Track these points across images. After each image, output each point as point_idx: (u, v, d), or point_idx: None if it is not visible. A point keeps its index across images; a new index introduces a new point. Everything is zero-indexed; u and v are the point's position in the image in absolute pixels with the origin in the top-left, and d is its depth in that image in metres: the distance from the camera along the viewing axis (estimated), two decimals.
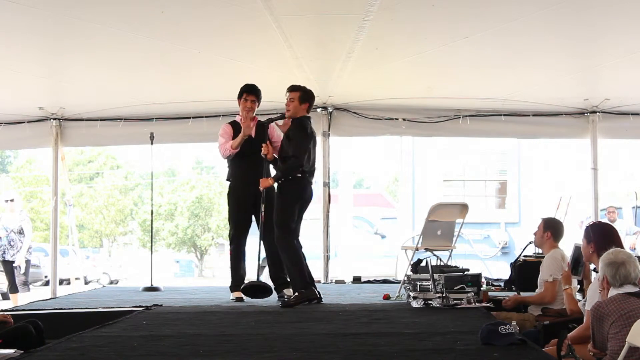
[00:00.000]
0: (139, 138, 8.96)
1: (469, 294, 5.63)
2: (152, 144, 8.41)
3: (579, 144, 10.26)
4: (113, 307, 6.03)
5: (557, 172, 15.83)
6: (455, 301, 5.58)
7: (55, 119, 8.98)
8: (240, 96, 6.60)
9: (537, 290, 5.60)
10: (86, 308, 6.06)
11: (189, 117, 8.88)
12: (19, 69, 7.26)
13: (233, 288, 6.73)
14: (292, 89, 6.24)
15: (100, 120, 8.96)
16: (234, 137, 6.58)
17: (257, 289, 6.40)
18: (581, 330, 4.09)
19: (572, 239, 6.03)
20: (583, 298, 4.92)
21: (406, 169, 16.86)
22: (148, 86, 8.07)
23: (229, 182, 6.79)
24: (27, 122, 9.01)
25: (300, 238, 6.23)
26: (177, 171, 36.61)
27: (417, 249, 6.99)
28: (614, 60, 7.07)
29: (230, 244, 6.76)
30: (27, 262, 9.59)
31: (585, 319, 4.10)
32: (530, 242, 5.89)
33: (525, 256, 6.79)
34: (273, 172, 6.40)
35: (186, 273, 33.13)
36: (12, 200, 9.80)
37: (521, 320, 5.09)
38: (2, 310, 5.70)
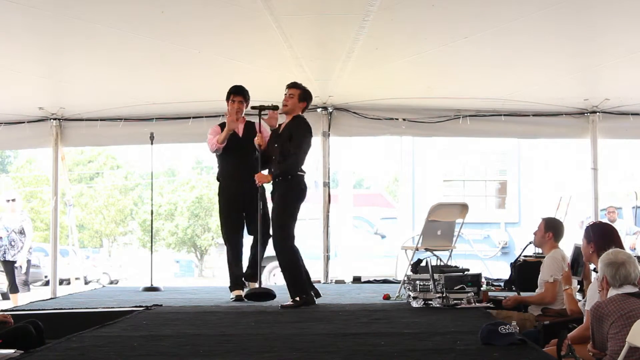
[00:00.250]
0: (139, 138, 8.97)
1: (469, 294, 5.64)
2: (152, 144, 8.41)
3: (579, 144, 10.26)
4: (113, 307, 6.03)
5: (557, 172, 15.82)
6: (455, 301, 5.58)
7: (55, 119, 8.98)
8: (227, 98, 6.69)
9: (537, 290, 5.60)
10: (86, 308, 6.06)
11: (189, 117, 8.88)
12: (19, 69, 7.26)
13: (232, 287, 6.77)
14: (294, 85, 6.24)
15: (100, 120, 8.96)
16: None
17: (260, 295, 6.39)
18: (581, 330, 4.08)
19: (572, 239, 6.03)
20: (583, 298, 4.92)
21: (406, 169, 16.84)
22: (148, 86, 8.07)
23: (218, 182, 6.86)
24: (27, 122, 9.01)
25: (299, 239, 6.15)
26: (177, 171, 36.60)
27: (417, 249, 6.99)
28: (614, 60, 7.06)
29: (225, 244, 6.81)
30: (28, 262, 9.60)
31: (585, 319, 4.10)
32: (530, 242, 5.89)
33: (525, 256, 6.79)
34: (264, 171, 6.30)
35: (186, 273, 33.09)
36: (13, 200, 9.81)
37: (521, 320, 5.09)
38: (2, 310, 5.70)
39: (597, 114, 8.79)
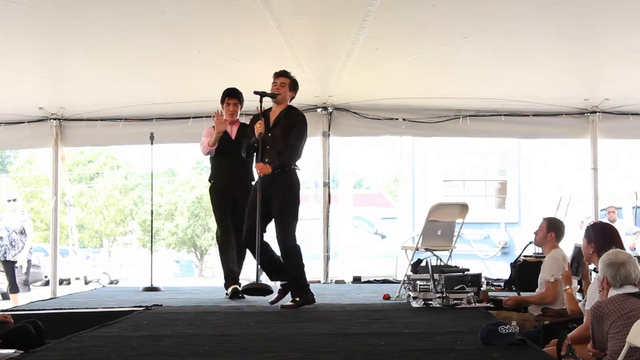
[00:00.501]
0: (139, 138, 8.97)
1: (469, 294, 5.63)
2: (152, 144, 8.41)
3: (579, 144, 10.26)
4: (113, 307, 6.02)
5: (557, 172, 15.84)
6: (455, 301, 5.58)
7: (55, 119, 8.98)
8: (222, 100, 6.75)
9: (537, 290, 5.59)
10: (86, 308, 6.06)
11: (189, 117, 8.89)
12: (19, 69, 7.26)
13: (226, 285, 6.88)
14: (284, 74, 6.09)
15: (100, 120, 8.96)
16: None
17: (257, 290, 6.37)
18: (581, 330, 4.08)
19: (572, 239, 6.03)
20: (583, 298, 4.92)
21: (406, 169, 16.87)
22: (148, 86, 8.07)
23: (210, 183, 7.02)
24: (27, 122, 9.01)
25: (299, 238, 6.07)
26: (177, 171, 36.58)
27: (417, 249, 6.99)
28: (614, 60, 7.06)
29: (217, 243, 6.96)
30: (28, 262, 9.60)
31: (585, 319, 4.09)
32: (530, 242, 5.89)
33: (525, 256, 6.79)
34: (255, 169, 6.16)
35: (186, 273, 33.07)
36: (14, 200, 9.81)
37: (521, 320, 5.10)
38: (2, 310, 5.70)
39: (597, 114, 8.79)
